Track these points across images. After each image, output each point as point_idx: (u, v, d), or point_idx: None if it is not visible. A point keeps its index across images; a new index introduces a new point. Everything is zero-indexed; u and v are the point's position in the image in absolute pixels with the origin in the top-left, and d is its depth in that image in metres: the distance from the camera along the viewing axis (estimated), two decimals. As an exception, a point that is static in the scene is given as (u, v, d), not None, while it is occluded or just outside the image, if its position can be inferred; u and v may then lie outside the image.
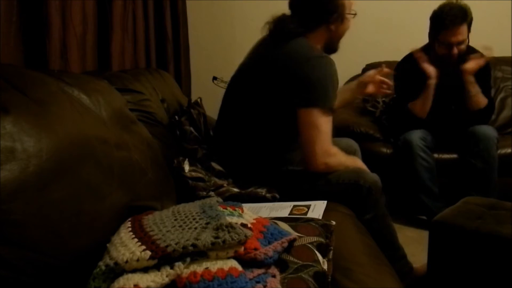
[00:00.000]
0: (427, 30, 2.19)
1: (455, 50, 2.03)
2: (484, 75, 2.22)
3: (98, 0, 1.74)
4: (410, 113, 2.18)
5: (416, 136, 2.09)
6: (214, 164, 1.40)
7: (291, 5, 1.43)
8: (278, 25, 1.41)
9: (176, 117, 1.56)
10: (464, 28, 2.01)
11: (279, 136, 1.46)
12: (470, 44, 2.26)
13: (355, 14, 1.44)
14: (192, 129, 1.48)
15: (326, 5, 1.38)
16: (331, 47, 1.47)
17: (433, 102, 2.14)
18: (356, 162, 1.48)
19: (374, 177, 1.38)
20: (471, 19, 2.05)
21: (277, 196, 1.35)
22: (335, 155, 1.38)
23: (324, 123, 1.32)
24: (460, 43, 2.03)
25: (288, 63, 1.34)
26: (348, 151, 1.61)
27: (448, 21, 1.99)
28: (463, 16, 2.00)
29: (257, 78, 1.41)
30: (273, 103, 1.38)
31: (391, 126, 2.37)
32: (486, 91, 2.19)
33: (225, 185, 1.36)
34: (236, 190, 1.35)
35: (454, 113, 2.20)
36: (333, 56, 1.45)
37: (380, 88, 1.72)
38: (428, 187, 2.09)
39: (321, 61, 1.33)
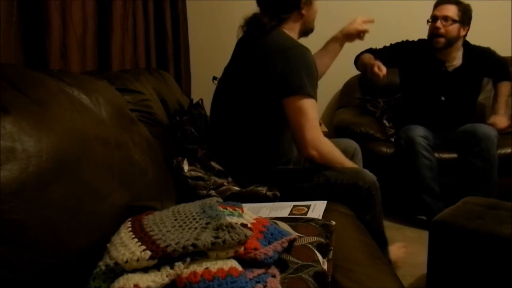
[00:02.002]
0: (426, 30, 2.25)
1: (439, 24, 2.16)
2: (497, 62, 2.31)
3: (98, 0, 1.74)
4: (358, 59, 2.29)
5: (418, 135, 2.10)
6: (214, 164, 1.41)
7: (259, 1, 1.47)
8: (253, 23, 1.45)
9: (177, 117, 1.56)
10: (451, 7, 2.16)
11: (274, 134, 1.47)
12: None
13: None
14: (192, 129, 1.49)
15: None
16: (307, 29, 1.53)
17: (424, 94, 2.28)
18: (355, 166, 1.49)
19: (373, 177, 1.38)
20: (466, 11, 2.17)
21: (278, 194, 1.36)
22: (327, 144, 1.39)
23: (309, 109, 1.33)
24: (444, 18, 2.15)
25: (266, 57, 1.36)
26: (347, 151, 1.61)
27: (439, 0, 2.22)
28: None
29: (242, 76, 1.43)
30: (261, 99, 1.39)
31: (394, 121, 2.44)
32: (505, 73, 2.32)
33: (225, 183, 1.36)
34: (236, 188, 1.36)
35: (444, 104, 2.26)
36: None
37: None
38: (430, 186, 2.09)
39: (297, 50, 1.36)
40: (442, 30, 2.15)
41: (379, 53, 2.27)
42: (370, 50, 2.34)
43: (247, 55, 1.44)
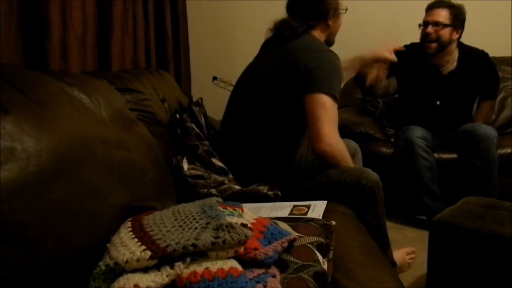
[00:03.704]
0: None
1: (430, 29, 2.17)
2: (490, 77, 2.33)
3: (98, 0, 1.74)
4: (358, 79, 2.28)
5: (417, 136, 2.10)
6: (214, 160, 1.41)
7: (289, 8, 1.53)
8: (284, 27, 1.49)
9: (177, 115, 1.56)
10: (442, 11, 2.16)
11: (284, 134, 1.48)
12: (471, 43, 2.30)
13: (346, 9, 1.57)
14: (193, 125, 1.49)
15: (323, 4, 1.50)
16: (331, 40, 1.59)
17: (419, 98, 2.30)
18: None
19: (375, 176, 1.38)
20: (458, 14, 2.17)
21: (279, 193, 1.36)
22: (340, 142, 1.41)
23: (331, 107, 1.37)
24: (435, 23, 2.16)
25: (297, 56, 1.40)
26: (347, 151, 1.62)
27: (430, 4, 2.22)
28: (444, 2, 2.18)
29: (267, 75, 1.46)
30: (281, 98, 1.42)
31: (393, 122, 2.44)
32: (492, 93, 2.39)
33: (226, 182, 1.36)
34: (237, 187, 1.36)
35: (440, 108, 2.27)
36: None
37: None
38: (429, 187, 2.09)
39: (327, 54, 1.42)
40: (433, 36, 2.16)
41: None
42: None
43: (278, 55, 1.48)
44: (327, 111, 1.35)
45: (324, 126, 1.35)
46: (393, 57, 1.75)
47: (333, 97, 1.37)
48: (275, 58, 1.47)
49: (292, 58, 1.41)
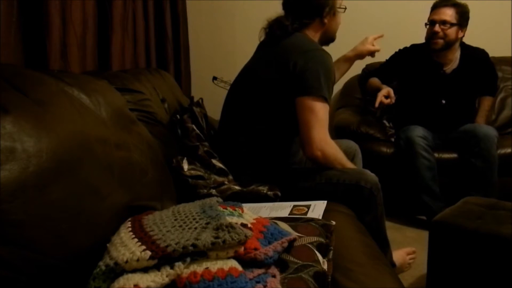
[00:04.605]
0: (425, 30, 2.26)
1: (437, 28, 2.17)
2: (489, 74, 2.34)
3: (98, 0, 1.74)
4: (364, 83, 2.43)
5: (417, 135, 2.10)
6: (215, 161, 1.41)
7: (284, 5, 1.51)
8: (275, 25, 1.48)
9: (178, 115, 1.56)
10: (448, 10, 2.17)
11: (282, 135, 1.48)
12: (471, 43, 2.30)
13: (345, 9, 1.54)
14: (194, 126, 1.49)
15: (318, 0, 1.47)
16: (328, 38, 1.56)
17: (424, 98, 2.30)
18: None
19: (375, 178, 1.38)
20: (463, 13, 2.18)
21: (279, 194, 1.36)
22: (332, 146, 1.40)
23: (320, 110, 1.35)
24: (442, 22, 2.16)
25: (286, 56, 1.38)
26: (347, 153, 1.62)
27: (436, 3, 2.22)
28: (449, 1, 2.18)
29: (260, 75, 1.45)
30: (276, 98, 1.41)
31: (393, 122, 2.47)
32: (491, 89, 2.38)
33: (226, 182, 1.36)
34: (237, 188, 1.36)
35: (445, 106, 2.28)
36: (334, 57, 1.51)
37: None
38: (429, 186, 2.09)
39: (318, 54, 1.39)
40: (441, 34, 2.16)
41: (379, 73, 2.37)
42: (372, 73, 2.41)
43: (269, 54, 1.47)
44: (316, 115, 1.34)
45: (313, 131, 1.35)
46: (376, 48, 1.74)
47: (323, 99, 1.35)
48: (267, 58, 1.47)
49: (282, 57, 1.39)
